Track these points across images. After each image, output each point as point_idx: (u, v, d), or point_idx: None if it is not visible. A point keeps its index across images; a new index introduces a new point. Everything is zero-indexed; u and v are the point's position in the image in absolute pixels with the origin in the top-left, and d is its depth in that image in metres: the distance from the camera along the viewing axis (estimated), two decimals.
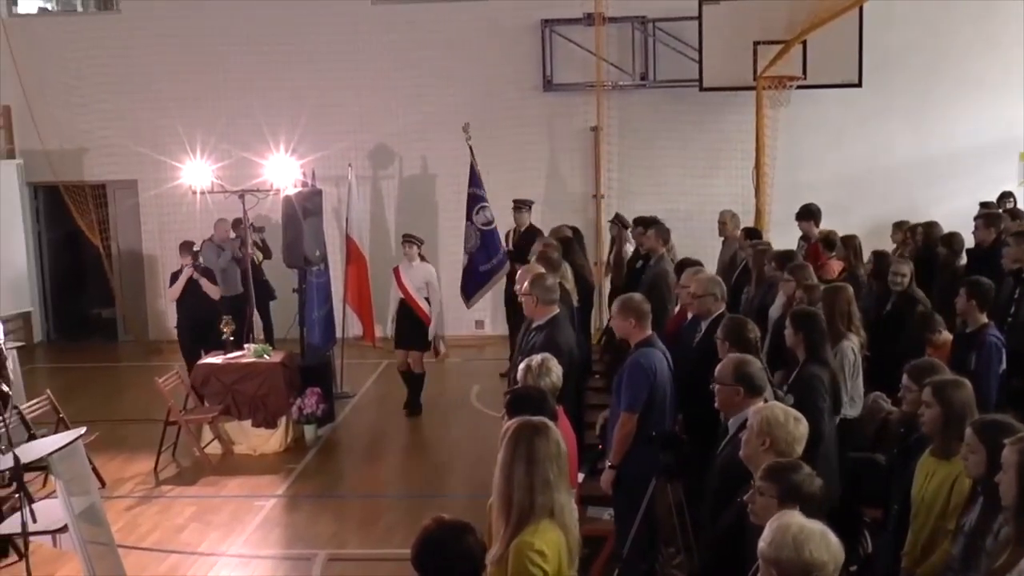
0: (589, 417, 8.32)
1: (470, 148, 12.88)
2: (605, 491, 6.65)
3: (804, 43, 12.83)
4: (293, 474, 10.02)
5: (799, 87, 13.21)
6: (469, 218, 12.84)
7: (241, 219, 11.95)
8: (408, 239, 11.63)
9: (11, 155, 15.18)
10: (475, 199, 12.89)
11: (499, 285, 12.84)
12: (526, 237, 12.34)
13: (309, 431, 10.83)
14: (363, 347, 12.91)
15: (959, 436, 4.88)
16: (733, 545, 4.45)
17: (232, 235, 12.70)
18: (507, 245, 12.78)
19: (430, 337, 11.66)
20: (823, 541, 3.34)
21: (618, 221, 13.00)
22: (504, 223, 12.95)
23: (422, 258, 11.70)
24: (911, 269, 8.90)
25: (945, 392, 5.10)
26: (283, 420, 10.61)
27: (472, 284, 12.86)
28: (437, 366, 12.76)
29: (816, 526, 3.40)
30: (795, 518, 3.47)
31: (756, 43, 13.07)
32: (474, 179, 13.03)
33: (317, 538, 8.56)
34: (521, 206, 12.92)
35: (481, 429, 11.19)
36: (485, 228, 12.76)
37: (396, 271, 11.64)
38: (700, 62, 13.47)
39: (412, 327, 11.51)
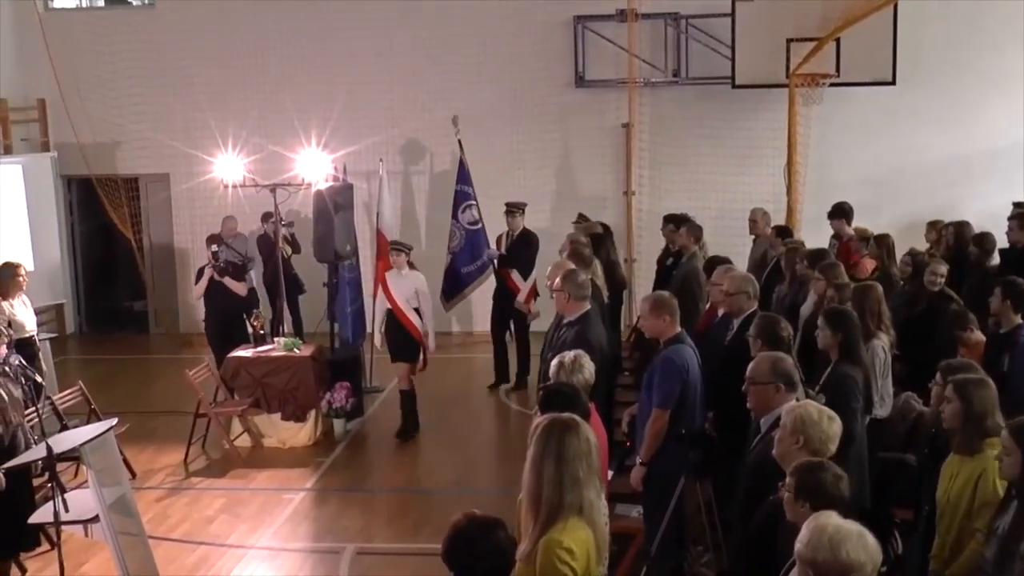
0: (618, 414, 8.30)
1: (459, 143, 12.80)
2: (634, 488, 6.64)
3: (838, 40, 12.72)
4: (322, 468, 10.05)
5: (832, 85, 13.10)
6: (454, 216, 12.61)
7: (271, 212, 12.01)
8: (397, 247, 10.90)
9: (46, 148, 15.29)
10: (462, 196, 12.65)
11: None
12: (519, 242, 12.13)
13: (338, 425, 10.87)
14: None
15: (980, 433, 4.93)
16: (764, 544, 4.42)
17: (255, 230, 12.78)
18: (500, 249, 12.37)
19: (430, 350, 10.92)
20: (860, 542, 3.33)
21: (584, 221, 12.41)
22: (531, 223, 12.83)
23: (411, 266, 10.98)
24: (947, 269, 8.84)
25: (966, 389, 5.14)
26: (312, 414, 10.65)
27: (453, 286, 12.73)
28: (464, 362, 12.78)
29: (853, 527, 3.38)
30: (831, 519, 3.45)
31: (789, 40, 12.98)
32: (462, 175, 12.86)
33: (345, 532, 8.59)
34: (514, 210, 12.35)
35: (510, 425, 11.23)
36: (471, 228, 12.58)
37: (383, 280, 11.00)
38: (733, 59, 13.39)
39: (400, 339, 10.75)
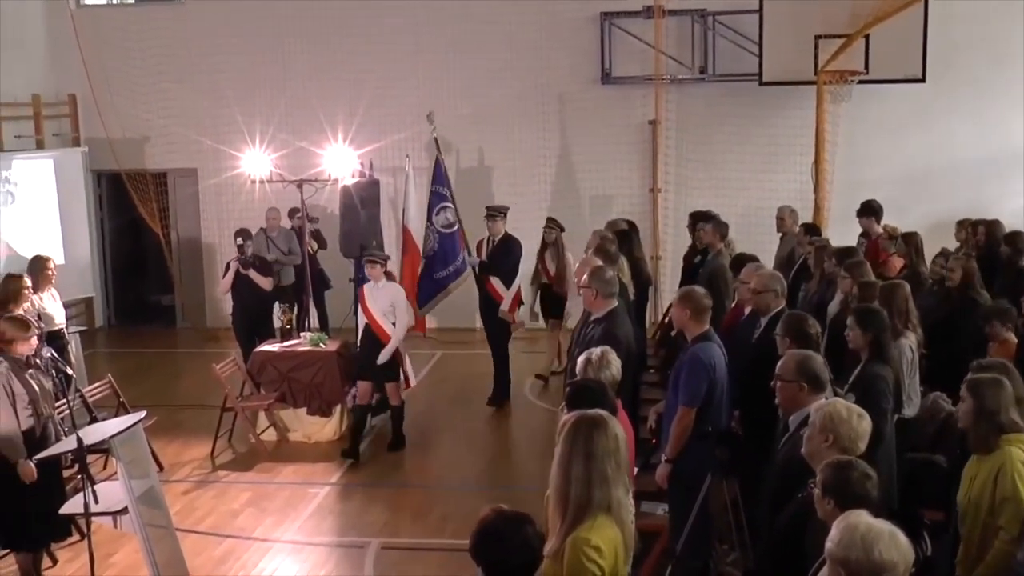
0: (643, 411, 8.29)
1: (435, 141, 12.28)
2: (660, 486, 6.63)
3: (867, 37, 12.65)
4: (347, 463, 10.09)
5: (861, 82, 13.02)
6: (428, 219, 11.94)
7: (298, 208, 12.05)
8: (372, 257, 10.26)
9: (76, 143, 15.43)
10: (437, 198, 11.93)
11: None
12: (500, 248, 11.59)
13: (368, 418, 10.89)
14: (416, 337, 12.91)
15: (995, 430, 5.03)
16: (793, 543, 4.41)
17: (288, 225, 12.79)
18: (480, 256, 11.70)
19: (383, 359, 10.17)
20: (892, 541, 3.31)
21: (555, 225, 12.33)
22: (531, 219, 12.80)
23: (388, 276, 10.38)
24: (974, 267, 8.77)
25: (979, 388, 5.18)
26: (338, 408, 10.69)
27: (426, 292, 12.14)
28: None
29: (885, 526, 3.37)
30: (862, 517, 3.43)
31: (818, 37, 12.90)
32: (438, 175, 12.22)
33: (370, 526, 8.63)
34: (495, 214, 11.71)
35: (534, 422, 11.22)
36: (445, 231, 11.89)
37: (360, 292, 10.46)
38: (760, 56, 13.32)
39: (376, 355, 10.17)
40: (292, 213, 12.88)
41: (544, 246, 12.30)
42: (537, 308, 12.56)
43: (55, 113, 15.30)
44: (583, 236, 12.43)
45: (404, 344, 10.52)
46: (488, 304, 11.64)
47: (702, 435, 6.39)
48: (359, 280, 11.49)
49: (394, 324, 10.17)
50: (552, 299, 12.33)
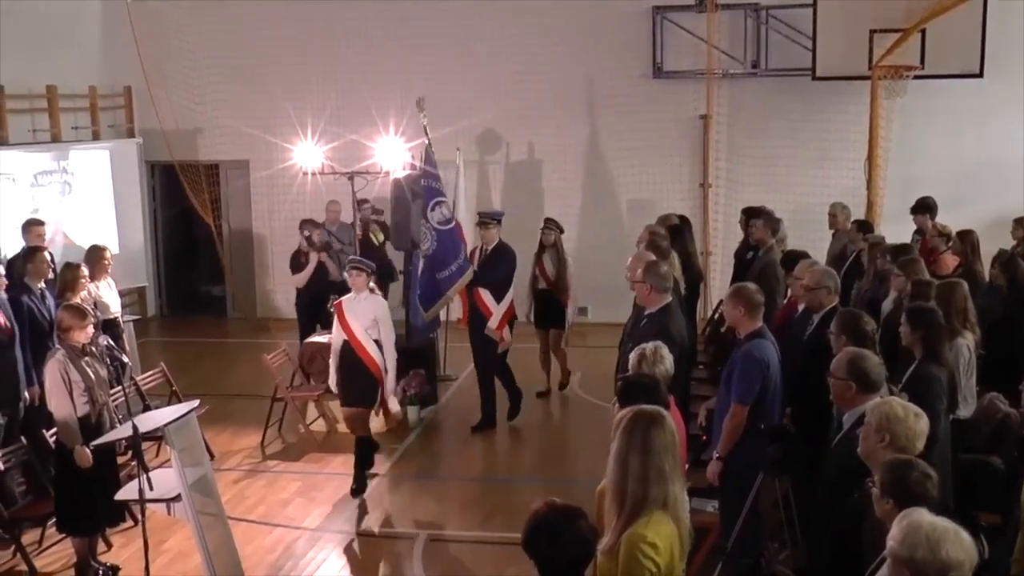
0: (693, 407, 8.25)
1: (424, 129, 11.34)
2: (711, 482, 6.60)
3: (923, 32, 12.46)
4: (396, 454, 10.15)
5: (916, 77, 12.83)
6: (423, 216, 10.86)
7: (366, 199, 12.05)
8: (357, 265, 9.25)
9: (131, 134, 15.61)
10: (431, 193, 10.86)
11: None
12: (494, 257, 10.76)
13: (412, 412, 10.95)
14: (460, 329, 12.90)
15: None
16: (849, 542, 4.37)
17: (350, 219, 12.80)
18: (472, 265, 10.87)
19: (388, 394, 9.29)
20: (957, 540, 3.27)
21: (554, 226, 11.77)
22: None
23: (371, 289, 9.33)
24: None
25: None
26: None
27: (430, 293, 10.94)
28: (535, 352, 12.76)
29: (949, 524, 3.33)
30: (924, 516, 3.39)
31: (872, 31, 12.73)
32: (430, 168, 11.14)
33: (418, 518, 8.68)
34: (488, 221, 10.92)
35: (583, 416, 11.21)
36: (442, 227, 10.76)
37: (338, 306, 9.25)
38: (814, 50, 13.17)
39: (356, 377, 9.12)
40: (360, 204, 12.85)
41: (542, 248, 11.67)
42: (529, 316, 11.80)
43: (111, 105, 15.49)
44: (633, 231, 12.39)
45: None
46: (476, 317, 10.80)
47: (754, 432, 6.34)
48: (409, 272, 11.53)
49: (376, 342, 9.13)
50: (550, 306, 11.62)
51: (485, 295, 10.66)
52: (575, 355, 12.90)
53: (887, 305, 8.40)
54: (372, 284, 9.29)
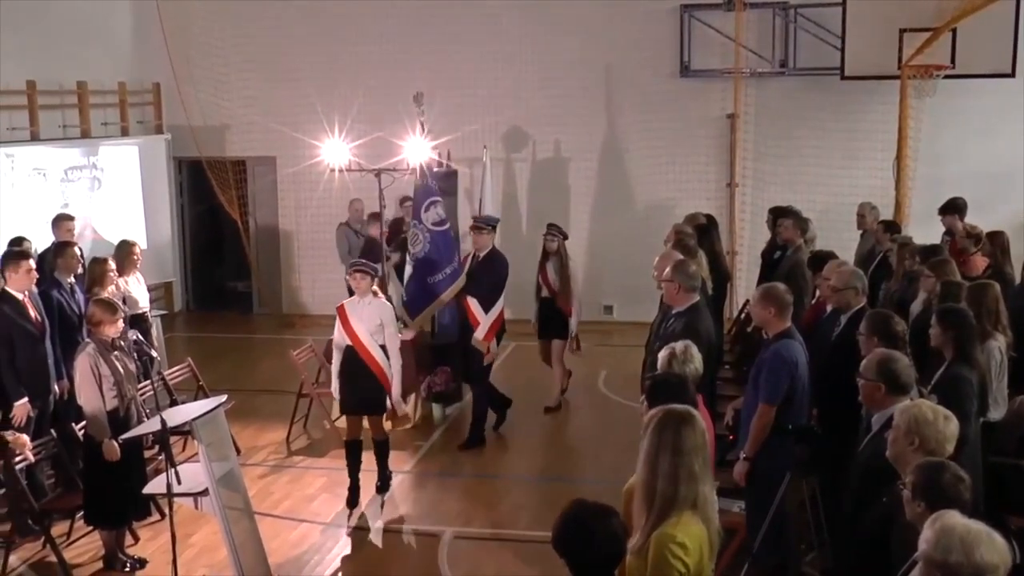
0: (720, 407, 8.23)
1: (422, 125, 11.06)
2: (738, 483, 6.58)
3: (954, 31, 12.35)
4: (420, 451, 10.17)
5: (946, 76, 12.73)
6: (416, 216, 10.35)
7: (409, 196, 12.03)
8: (361, 268, 8.85)
9: (159, 130, 15.71)
10: (425, 192, 10.39)
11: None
12: (486, 264, 10.34)
13: (437, 409, 10.97)
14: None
15: None
16: (878, 544, 4.34)
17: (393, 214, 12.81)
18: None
19: (394, 399, 8.94)
20: (991, 542, 3.24)
21: (557, 232, 11.28)
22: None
23: (375, 292, 9.00)
24: None
25: None
26: (412, 398, 10.71)
27: (418, 299, 10.32)
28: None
29: (981, 527, 3.30)
30: (956, 518, 3.36)
31: (902, 30, 12.62)
32: (431, 166, 10.79)
33: (443, 515, 8.68)
34: (482, 226, 10.47)
35: (608, 415, 11.18)
36: (436, 229, 10.27)
37: (340, 310, 8.88)
38: (842, 49, 13.09)
39: (361, 383, 8.78)
40: (403, 201, 12.85)
41: (545, 256, 11.24)
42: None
43: (139, 101, 15.58)
44: (659, 230, 12.35)
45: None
46: (465, 327, 10.42)
47: (781, 433, 6.31)
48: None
49: (382, 346, 8.80)
50: (554, 315, 11.21)
51: (473, 304, 10.20)
52: (600, 354, 12.92)
53: (916, 306, 8.34)
54: (376, 287, 9.04)
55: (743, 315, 11.58)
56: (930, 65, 12.60)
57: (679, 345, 5.75)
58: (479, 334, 10.13)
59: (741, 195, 14.68)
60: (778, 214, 11.21)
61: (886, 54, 12.72)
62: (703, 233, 10.37)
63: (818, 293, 8.80)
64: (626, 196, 14.89)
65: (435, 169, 11.47)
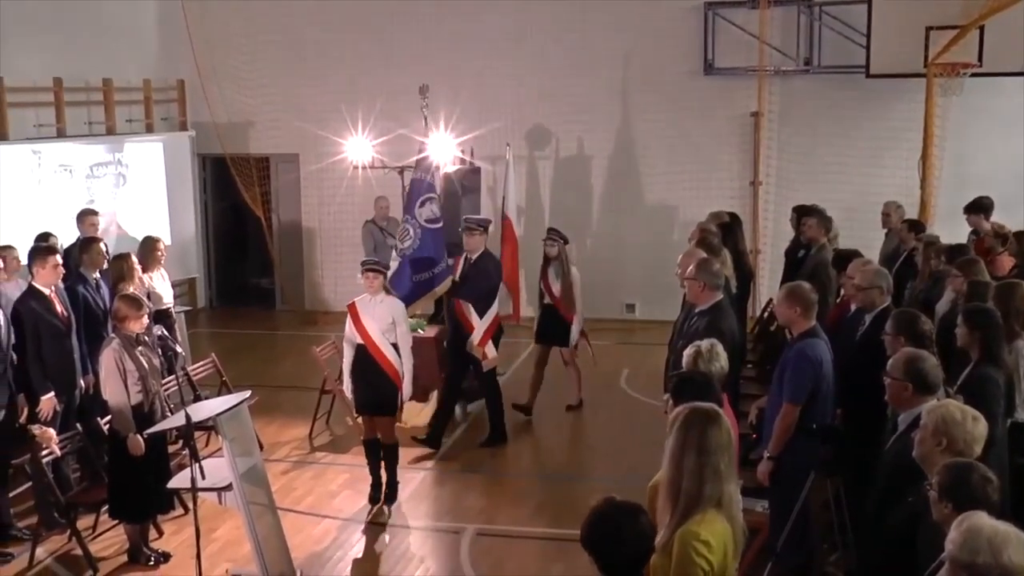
0: (743, 406, 8.20)
1: (424, 119, 10.87)
2: (761, 482, 6.55)
3: (981, 28, 12.25)
4: (442, 448, 10.16)
5: (973, 75, 12.63)
6: (409, 211, 10.10)
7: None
8: (373, 267, 8.74)
9: (183, 127, 15.77)
10: (421, 187, 10.12)
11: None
12: (479, 267, 10.02)
13: (458, 407, 10.96)
14: (513, 326, 12.89)
15: None
16: (903, 545, 4.32)
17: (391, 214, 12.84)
18: (454, 275, 10.35)
19: (405, 398, 8.90)
20: (1019, 544, 3.21)
21: (558, 237, 10.97)
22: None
23: (387, 290, 8.85)
24: None
25: None
26: (434, 395, 10.74)
27: (401, 296, 9.61)
28: (585, 350, 12.73)
29: (1010, 528, 3.27)
30: (983, 519, 3.33)
31: (929, 28, 12.52)
32: (423, 161, 10.46)
33: (465, 512, 8.70)
34: (474, 227, 10.07)
35: (630, 413, 11.17)
36: (429, 226, 10.04)
37: (351, 308, 8.78)
38: (868, 47, 13.00)
39: (374, 382, 8.68)
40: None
41: (546, 261, 10.95)
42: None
43: (164, 98, 15.64)
44: (682, 228, 12.36)
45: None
46: (457, 333, 10.13)
47: (805, 432, 6.29)
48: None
49: (394, 345, 8.71)
50: (556, 322, 10.95)
51: (467, 308, 9.92)
52: (622, 352, 12.92)
53: (942, 306, 8.28)
54: (387, 285, 8.91)
55: (766, 314, 11.54)
56: (957, 63, 12.49)
57: (705, 343, 5.74)
58: (475, 339, 9.88)
59: (765, 193, 14.62)
60: (802, 212, 11.17)
61: (912, 52, 12.62)
62: (727, 231, 10.34)
63: (842, 292, 8.74)
64: (649, 194, 14.85)
65: (458, 167, 11.49)
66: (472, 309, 9.91)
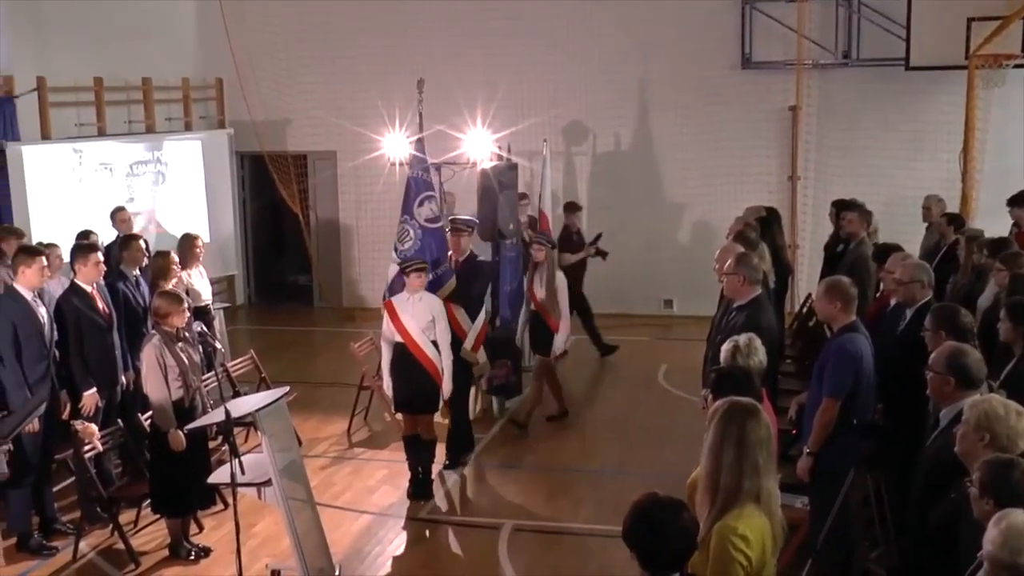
0: (781, 402, 8.13)
1: (420, 115, 10.53)
2: (801, 478, 6.50)
3: None
4: (480, 444, 10.17)
5: (1016, 66, 12.49)
6: (407, 211, 9.59)
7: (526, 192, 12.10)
8: (419, 267, 8.70)
9: (222, 125, 15.89)
10: (420, 186, 9.67)
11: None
12: (465, 268, 9.71)
13: (497, 402, 10.97)
14: None
15: None
16: (945, 542, 4.27)
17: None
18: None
19: (445, 395, 8.88)
20: None
21: (545, 241, 10.68)
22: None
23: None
24: None
25: None
26: (472, 391, 10.73)
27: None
28: (622, 344, 12.70)
29: None
30: (1022, 517, 3.28)
31: (970, 19, 12.38)
32: (421, 158, 10.02)
33: (503, 508, 8.71)
34: (462, 227, 9.86)
35: (668, 408, 11.14)
36: (429, 225, 9.54)
37: (388, 306, 8.78)
38: (907, 39, 12.90)
39: (415, 381, 8.68)
40: (522, 197, 12.96)
41: (533, 267, 10.56)
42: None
43: (202, 96, 15.78)
44: (719, 223, 12.27)
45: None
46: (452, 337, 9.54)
47: (846, 428, 6.24)
48: (496, 262, 11.51)
49: (433, 342, 8.68)
50: (540, 330, 10.57)
51: (458, 312, 9.46)
52: (660, 348, 12.86)
53: (984, 300, 8.17)
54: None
55: (805, 309, 11.46)
56: (999, 54, 12.37)
57: (743, 338, 5.70)
58: (468, 343, 9.48)
59: (803, 188, 14.51)
60: (841, 207, 11.07)
61: (953, 43, 12.48)
62: (765, 226, 10.27)
63: (882, 287, 8.66)
64: (686, 189, 14.78)
65: (495, 163, 11.49)
66: (463, 313, 9.54)
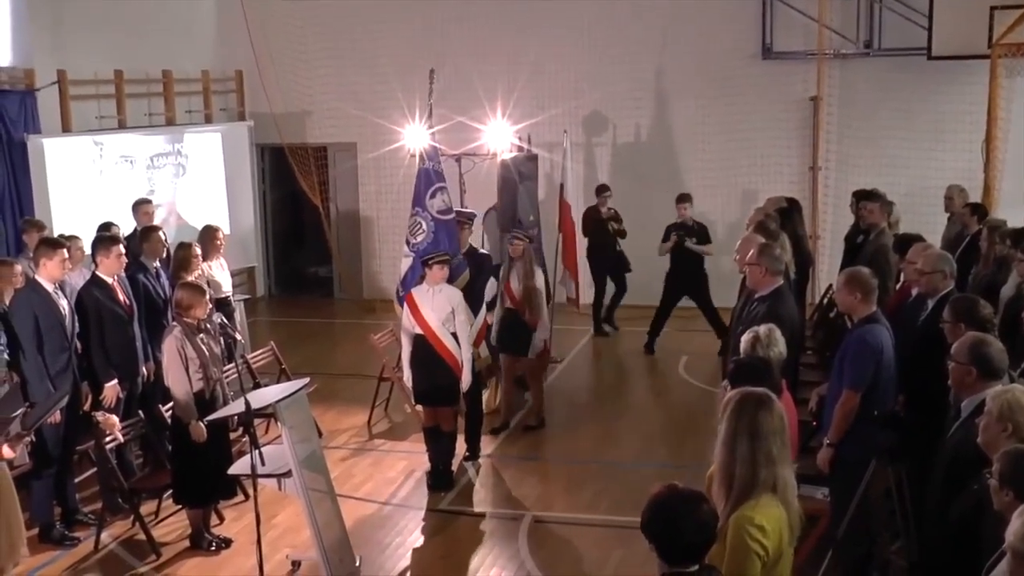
0: (802, 393, 8.10)
1: (430, 107, 10.48)
2: (821, 469, 6.48)
3: None
4: (501, 435, 10.18)
5: None
6: (419, 203, 9.50)
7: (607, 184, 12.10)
8: (442, 259, 8.68)
9: (242, 117, 15.94)
10: (431, 177, 9.56)
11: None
12: (468, 264, 9.65)
13: (518, 394, 10.96)
14: (572, 313, 12.87)
15: None
16: (967, 534, 4.24)
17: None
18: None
19: (464, 387, 8.80)
20: None
21: (522, 235, 10.18)
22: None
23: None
24: None
25: None
26: (492, 382, 10.75)
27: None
28: (642, 336, 12.68)
29: None
30: None
31: (993, 8, 12.26)
32: (435, 150, 9.94)
33: (523, 499, 8.70)
34: (464, 221, 9.83)
35: (689, 400, 11.12)
36: (442, 217, 9.43)
37: (409, 298, 8.72)
38: (929, 29, 12.78)
39: (436, 374, 8.66)
40: (600, 191, 13.04)
41: (509, 261, 10.08)
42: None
43: (222, 89, 15.83)
44: (739, 214, 12.21)
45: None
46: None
47: (866, 419, 6.20)
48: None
49: (453, 334, 8.63)
50: (517, 328, 10.02)
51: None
52: (681, 339, 12.82)
53: (1007, 291, 8.10)
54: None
55: (826, 300, 11.41)
56: (1022, 43, 12.24)
57: (763, 329, 5.68)
58: (470, 341, 9.03)
59: (824, 178, 14.44)
60: (862, 197, 11.02)
61: (975, 32, 12.36)
62: (785, 216, 10.24)
63: (903, 277, 8.61)
64: (707, 180, 14.70)
65: (515, 154, 11.48)
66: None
